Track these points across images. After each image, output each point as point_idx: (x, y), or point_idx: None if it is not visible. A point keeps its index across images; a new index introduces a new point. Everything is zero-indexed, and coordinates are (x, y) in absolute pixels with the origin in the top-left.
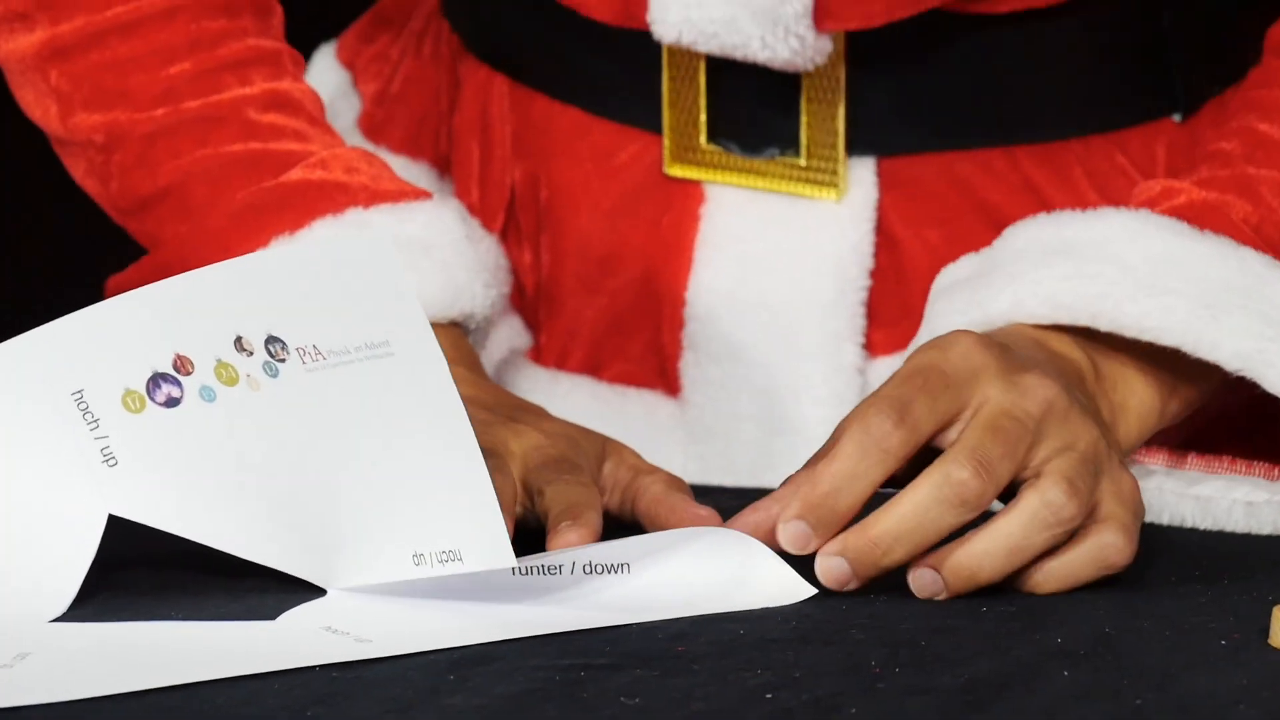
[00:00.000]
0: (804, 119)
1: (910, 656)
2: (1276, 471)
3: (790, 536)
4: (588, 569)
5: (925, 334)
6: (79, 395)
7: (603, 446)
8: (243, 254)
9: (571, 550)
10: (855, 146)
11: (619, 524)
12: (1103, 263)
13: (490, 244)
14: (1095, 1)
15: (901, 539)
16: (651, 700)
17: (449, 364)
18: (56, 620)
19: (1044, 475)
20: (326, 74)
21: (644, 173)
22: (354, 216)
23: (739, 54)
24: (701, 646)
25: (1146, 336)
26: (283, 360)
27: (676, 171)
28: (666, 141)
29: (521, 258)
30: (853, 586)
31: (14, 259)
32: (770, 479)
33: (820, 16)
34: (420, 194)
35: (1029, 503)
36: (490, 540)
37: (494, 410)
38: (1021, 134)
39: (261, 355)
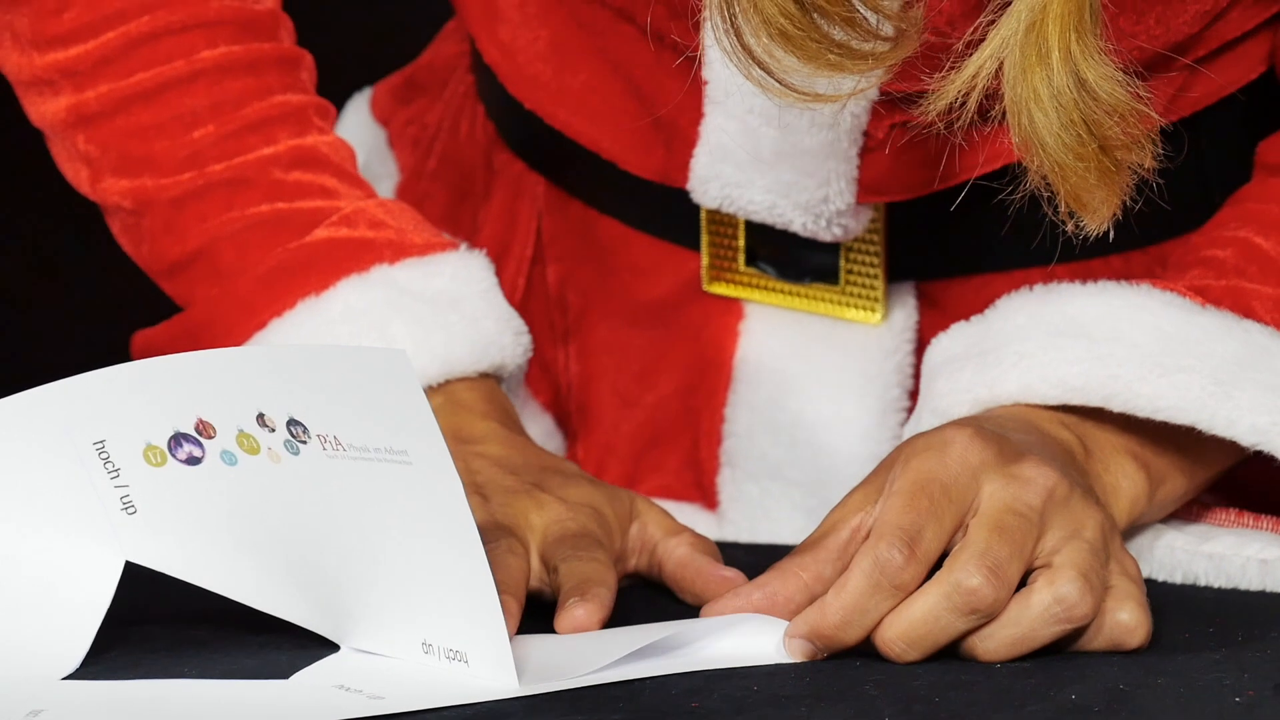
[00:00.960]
0: (843, 262)
1: (924, 713)
2: None
3: (796, 650)
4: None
5: (927, 414)
6: (100, 445)
7: (630, 508)
8: (271, 315)
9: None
10: (895, 274)
11: (646, 583)
12: (1111, 342)
13: None
14: None
15: (914, 645)
16: None
17: (482, 417)
18: (69, 678)
19: (1056, 568)
20: (361, 130)
21: (682, 287)
22: (380, 275)
23: (779, 225)
24: (715, 702)
25: (1160, 416)
26: (304, 442)
27: (716, 289)
28: (705, 260)
29: (556, 357)
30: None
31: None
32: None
33: (862, 193)
34: (447, 245)
35: (1041, 597)
36: (496, 657)
37: (521, 474)
38: (1062, 254)
39: (283, 434)
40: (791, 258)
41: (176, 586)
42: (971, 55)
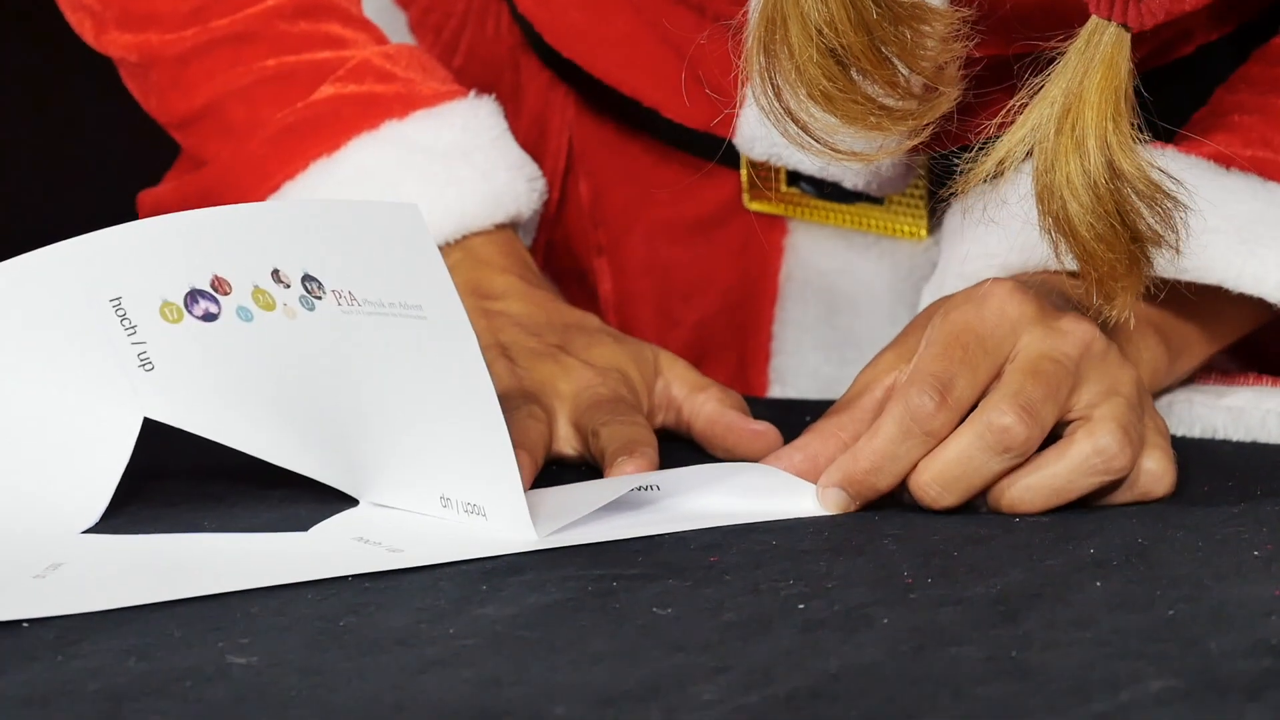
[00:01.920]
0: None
1: (942, 567)
2: None
3: (831, 501)
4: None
5: (952, 279)
6: (117, 302)
7: (655, 364)
8: (284, 177)
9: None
10: (937, 193)
11: (673, 438)
12: None
13: None
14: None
15: (948, 487)
16: (683, 610)
17: (500, 271)
18: (89, 531)
19: (1096, 420)
20: (380, 13)
21: (723, 205)
22: (390, 131)
23: (830, 180)
24: (734, 557)
25: (1186, 277)
26: (319, 298)
27: (757, 207)
28: (744, 180)
29: (592, 268)
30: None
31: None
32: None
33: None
34: (455, 92)
35: (1081, 448)
36: (511, 508)
37: (544, 334)
38: None
39: (298, 290)
40: (834, 185)
41: (195, 442)
42: (1003, 136)
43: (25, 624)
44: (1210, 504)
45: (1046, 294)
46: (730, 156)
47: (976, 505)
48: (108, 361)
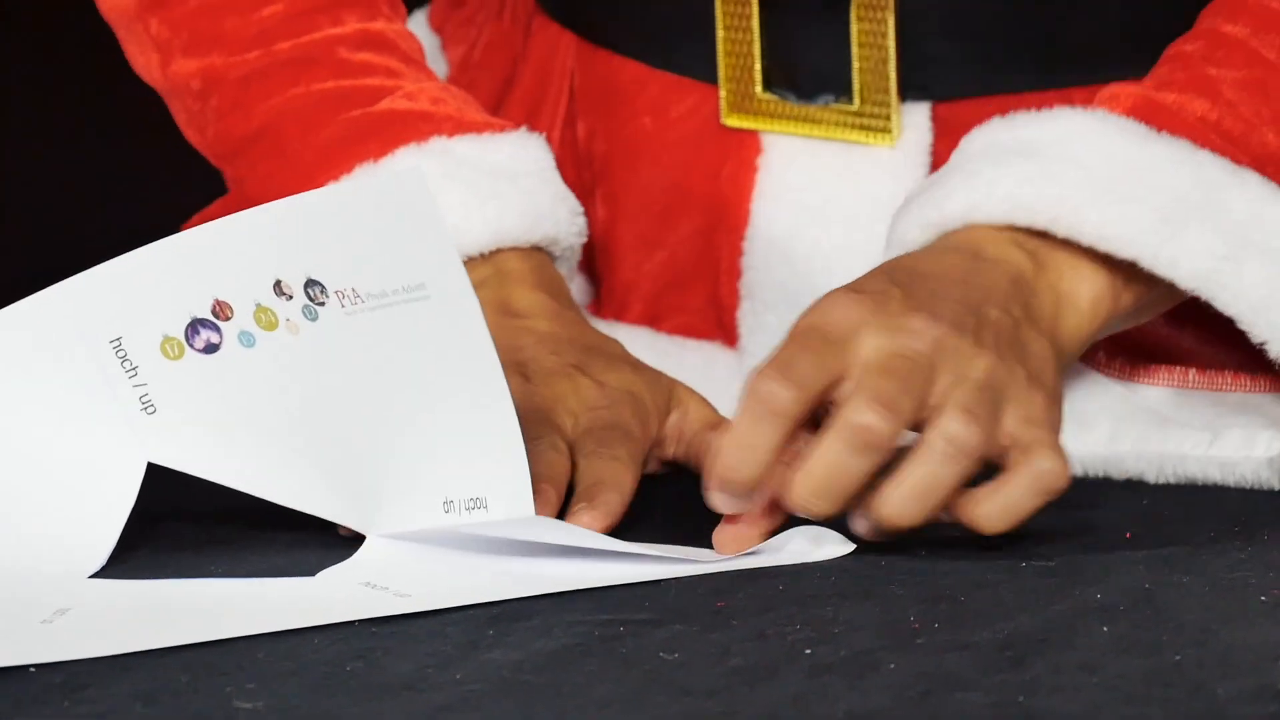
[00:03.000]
0: (855, 64)
1: (949, 612)
2: (1266, 383)
3: (717, 504)
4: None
5: (892, 248)
6: (117, 343)
7: (669, 397)
8: (328, 178)
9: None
10: (908, 91)
11: (683, 473)
12: (1062, 163)
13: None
14: None
15: (819, 494)
16: (690, 656)
17: (531, 288)
18: (95, 576)
19: (939, 410)
20: (420, 39)
21: (701, 125)
22: (438, 145)
23: None
24: (740, 602)
25: (1104, 246)
26: (321, 304)
27: (734, 122)
28: (723, 91)
29: (586, 209)
30: None
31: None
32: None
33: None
34: (506, 125)
35: (930, 441)
36: (514, 488)
37: (563, 354)
38: (1077, 76)
39: (301, 299)
40: (805, 68)
41: (201, 485)
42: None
43: (32, 669)
44: (1216, 549)
45: (891, 296)
46: (709, 61)
47: (981, 548)
48: (110, 406)
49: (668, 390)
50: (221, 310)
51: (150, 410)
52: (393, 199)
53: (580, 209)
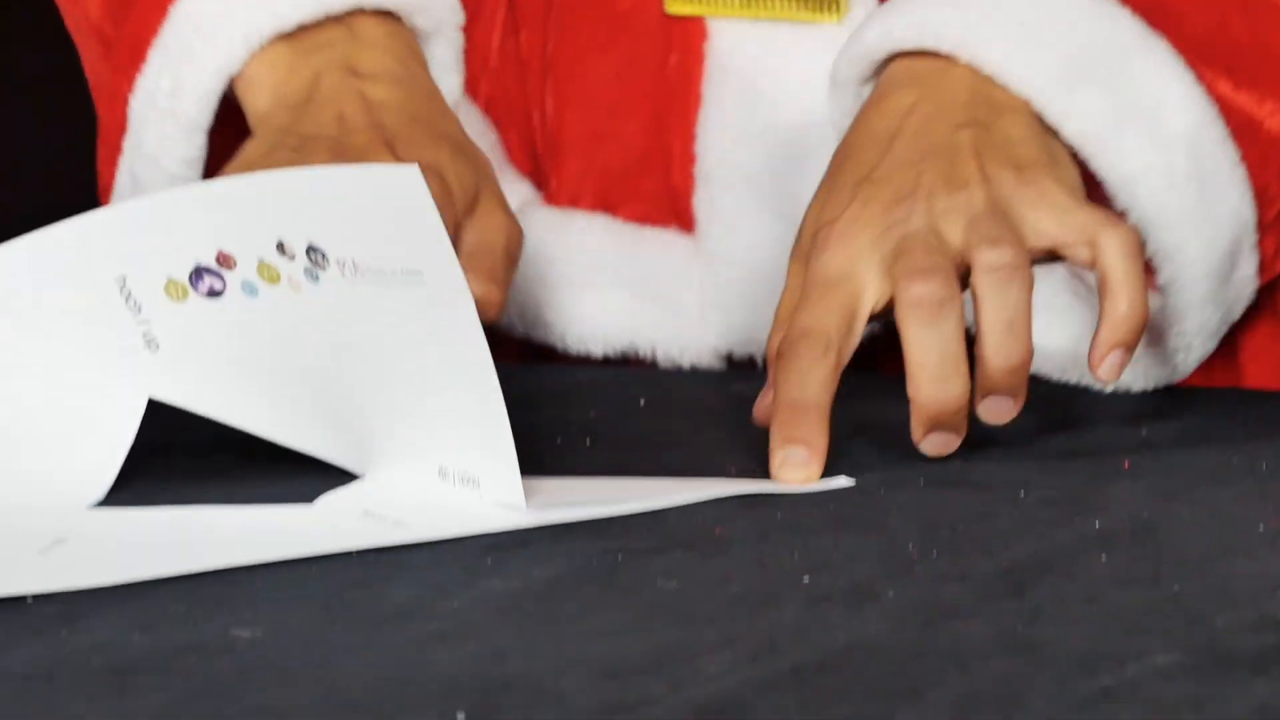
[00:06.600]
0: None
1: (948, 542)
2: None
3: (795, 461)
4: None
5: (834, 89)
6: (122, 281)
7: (476, 195)
8: None
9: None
10: None
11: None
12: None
13: None
14: None
15: (940, 378)
16: (689, 584)
17: (383, 52)
18: (93, 506)
19: (971, 255)
20: None
21: (647, 19)
22: None
23: None
24: (740, 529)
25: (1002, 79)
26: (323, 269)
27: (677, 8)
28: None
29: (530, 117)
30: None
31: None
32: None
33: None
34: None
35: (981, 280)
36: (504, 477)
37: (386, 125)
38: None
39: (303, 261)
40: None
41: (199, 422)
42: None
43: (29, 599)
44: (1216, 479)
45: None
46: None
47: (981, 479)
48: (113, 340)
49: (475, 188)
50: (226, 260)
51: (153, 347)
52: (391, 191)
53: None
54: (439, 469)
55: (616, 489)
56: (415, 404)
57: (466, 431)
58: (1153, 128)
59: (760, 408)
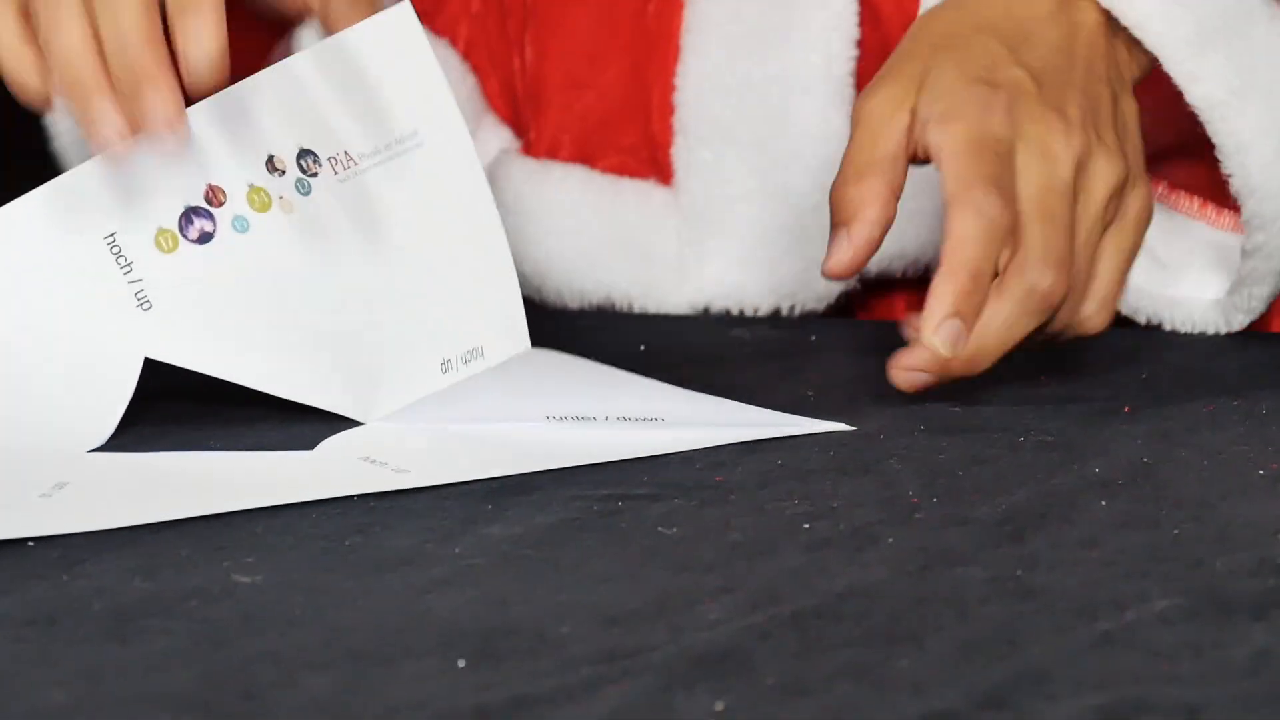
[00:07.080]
0: None
1: (948, 487)
2: (1232, 222)
3: (955, 335)
4: (623, 419)
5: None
6: (111, 239)
7: None
8: None
9: (604, 401)
10: None
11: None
12: None
13: None
14: None
15: (990, 353)
16: (689, 530)
17: None
18: (94, 451)
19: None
20: None
21: None
22: None
23: None
24: (739, 476)
25: (1137, 33)
26: (314, 175)
27: None
28: None
29: (510, 62)
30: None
31: None
32: (764, 255)
33: None
34: None
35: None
36: (509, 329)
37: None
38: None
39: (294, 173)
40: None
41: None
42: None
43: (30, 543)
44: (1215, 423)
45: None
46: None
47: (981, 425)
48: (106, 303)
49: None
50: (215, 196)
51: (146, 306)
52: (383, 42)
53: None
54: (441, 364)
55: (624, 395)
56: (417, 294)
57: (472, 295)
58: (1270, 97)
59: (842, 260)
